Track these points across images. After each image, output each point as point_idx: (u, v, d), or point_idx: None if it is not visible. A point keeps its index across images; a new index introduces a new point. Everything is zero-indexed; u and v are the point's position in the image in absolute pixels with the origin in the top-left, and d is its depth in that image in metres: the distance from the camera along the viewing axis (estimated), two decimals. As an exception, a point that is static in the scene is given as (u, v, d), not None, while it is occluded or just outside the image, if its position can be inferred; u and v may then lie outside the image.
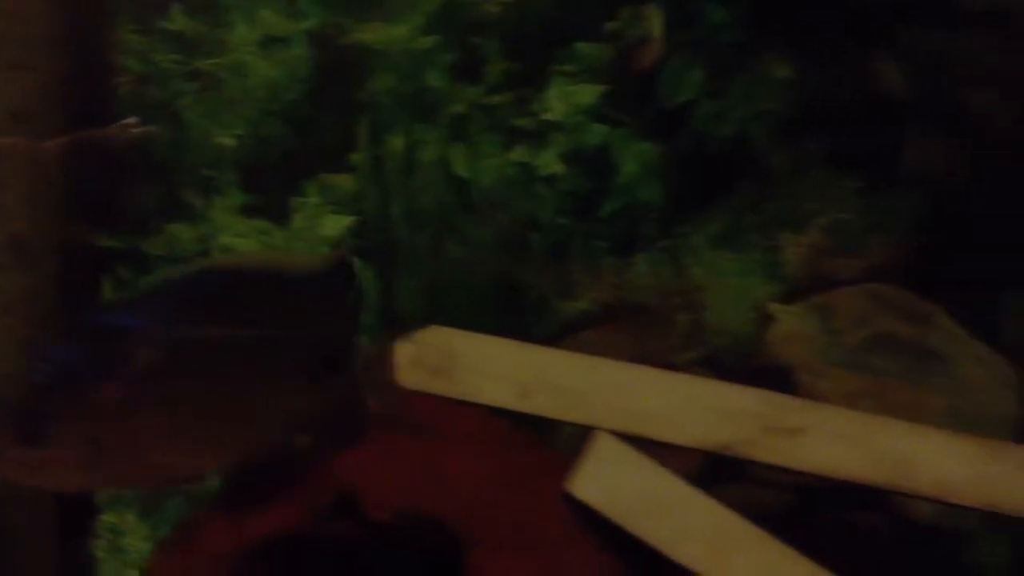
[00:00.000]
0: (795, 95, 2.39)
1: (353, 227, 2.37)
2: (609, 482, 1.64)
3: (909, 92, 2.40)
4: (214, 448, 1.45)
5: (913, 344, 2.26)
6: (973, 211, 2.33)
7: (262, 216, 2.39)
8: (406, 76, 2.40)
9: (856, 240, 2.36)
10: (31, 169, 2.16)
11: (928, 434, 1.66)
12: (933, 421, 2.09)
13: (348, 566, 1.67)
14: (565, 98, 2.39)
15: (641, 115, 2.40)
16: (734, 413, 1.65)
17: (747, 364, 2.30)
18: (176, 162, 2.40)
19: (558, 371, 1.73)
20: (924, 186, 2.37)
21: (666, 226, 2.40)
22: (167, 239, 2.35)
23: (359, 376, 1.60)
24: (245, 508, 1.62)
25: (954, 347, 2.26)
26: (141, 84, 2.41)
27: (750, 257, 2.37)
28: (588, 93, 2.39)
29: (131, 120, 2.26)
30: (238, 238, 2.34)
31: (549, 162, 2.38)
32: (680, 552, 1.61)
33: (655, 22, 2.40)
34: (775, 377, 2.22)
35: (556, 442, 1.93)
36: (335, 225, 2.36)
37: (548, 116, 2.39)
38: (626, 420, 1.68)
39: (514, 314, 2.36)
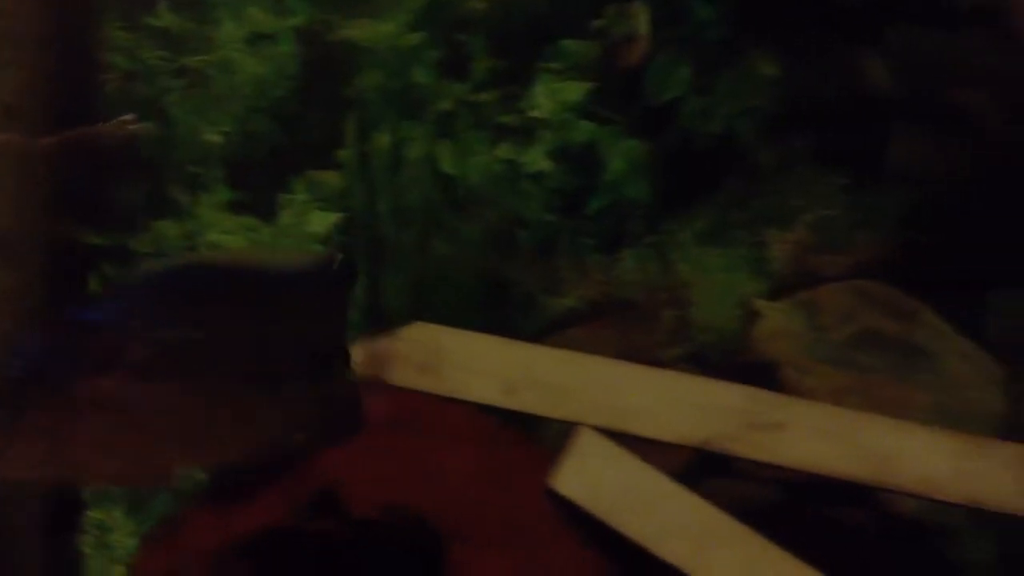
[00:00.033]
0: (781, 92, 2.40)
1: (340, 224, 2.37)
2: (592, 478, 1.65)
3: (895, 89, 2.40)
4: (183, 449, 1.45)
5: (899, 340, 2.27)
6: (959, 208, 2.34)
7: (249, 213, 2.39)
8: (393, 73, 2.40)
9: (842, 237, 2.37)
10: (19, 166, 2.16)
11: (911, 430, 1.67)
12: (918, 417, 2.10)
13: (332, 561, 1.68)
14: (552, 95, 2.40)
15: (628, 112, 2.41)
16: (716, 409, 1.66)
17: (733, 360, 2.30)
18: (163, 159, 2.40)
19: (543, 368, 1.74)
20: (910, 183, 2.38)
21: (653, 223, 2.40)
22: (154, 236, 2.35)
23: (352, 373, 1.60)
24: (230, 504, 1.63)
25: (939, 343, 2.27)
26: (128, 81, 2.41)
27: (736, 253, 2.37)
28: (575, 90, 2.40)
29: (128, 117, 2.26)
30: (225, 235, 2.34)
31: (536, 159, 2.38)
32: (663, 548, 1.61)
33: (641, 19, 2.40)
34: (761, 373, 2.23)
35: (544, 438, 1.94)
36: (322, 222, 2.36)
37: (535, 113, 2.39)
38: (610, 416, 1.68)
39: (501, 311, 2.37)
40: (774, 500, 2.15)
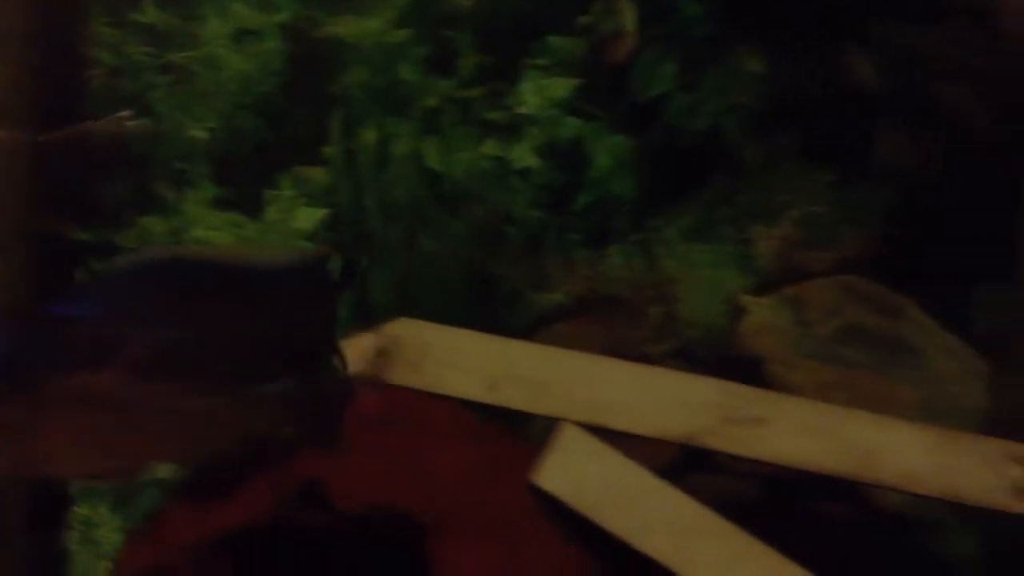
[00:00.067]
0: (768, 89, 2.40)
1: (326, 220, 2.37)
2: (575, 473, 1.65)
3: (881, 86, 2.41)
4: (158, 444, 1.45)
5: (885, 336, 2.27)
6: (945, 204, 2.34)
7: (235, 209, 2.39)
8: (379, 69, 2.40)
9: (828, 233, 2.37)
10: (4, 161, 2.16)
11: (891, 425, 1.67)
12: (904, 413, 2.11)
13: (315, 556, 1.68)
14: (538, 91, 2.40)
15: (614, 108, 2.41)
16: (697, 404, 1.67)
17: (719, 356, 2.31)
18: (149, 155, 2.40)
19: (526, 364, 1.74)
20: (896, 179, 2.38)
21: (639, 219, 2.40)
22: (139, 232, 2.35)
23: (341, 369, 1.60)
24: (214, 499, 1.63)
25: (925, 339, 2.28)
26: (113, 77, 2.40)
27: (723, 249, 2.38)
28: (561, 86, 2.40)
29: (125, 113, 2.26)
30: (211, 231, 2.34)
31: (523, 155, 2.38)
32: (645, 543, 1.62)
33: (628, 16, 2.41)
34: (747, 369, 2.23)
35: (530, 434, 1.94)
36: (308, 218, 2.36)
37: (521, 109, 2.39)
38: (592, 411, 1.69)
39: (488, 306, 2.37)
40: (759, 495, 2.15)
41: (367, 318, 2.27)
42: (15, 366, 1.36)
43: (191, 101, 2.41)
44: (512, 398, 1.73)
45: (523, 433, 1.91)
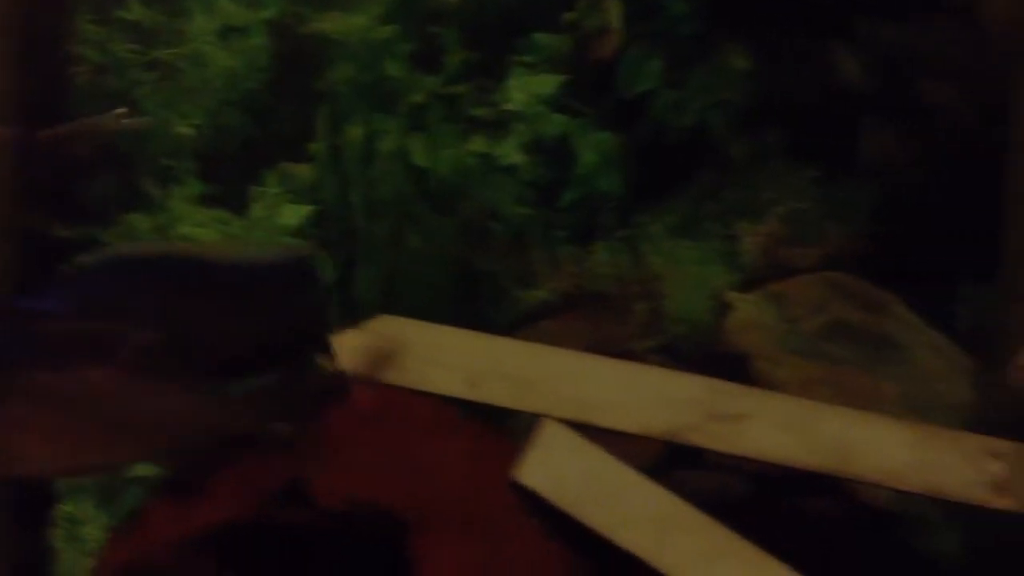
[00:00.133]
0: (754, 86, 2.41)
1: (312, 217, 2.37)
2: (555, 469, 1.66)
3: (867, 84, 2.41)
4: (132, 441, 1.45)
5: (869, 332, 2.28)
6: (929, 202, 2.35)
7: (221, 206, 2.39)
8: (365, 66, 2.40)
9: (813, 229, 2.38)
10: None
11: (872, 420, 1.68)
12: (889, 409, 2.12)
13: (296, 553, 1.68)
14: (525, 88, 2.40)
15: (600, 105, 2.41)
16: (679, 400, 1.67)
17: (705, 352, 2.31)
18: (135, 152, 2.40)
19: (508, 360, 1.74)
20: (881, 176, 2.39)
21: (625, 215, 2.41)
22: (125, 229, 2.35)
23: (328, 365, 1.61)
24: (196, 496, 1.63)
25: (910, 335, 2.28)
26: (99, 74, 2.40)
27: (708, 246, 2.38)
28: (548, 83, 2.40)
29: (122, 110, 2.26)
30: (197, 228, 2.34)
31: (509, 152, 2.39)
32: (626, 538, 1.62)
33: (613, 13, 2.41)
34: (733, 365, 2.24)
35: (514, 431, 1.94)
36: (294, 215, 2.36)
37: (508, 106, 2.40)
38: (573, 408, 1.69)
39: (474, 303, 2.37)
40: (745, 491, 2.16)
41: (353, 315, 2.28)
42: None
43: (177, 98, 2.41)
44: (495, 395, 1.73)
45: (507, 430, 1.92)
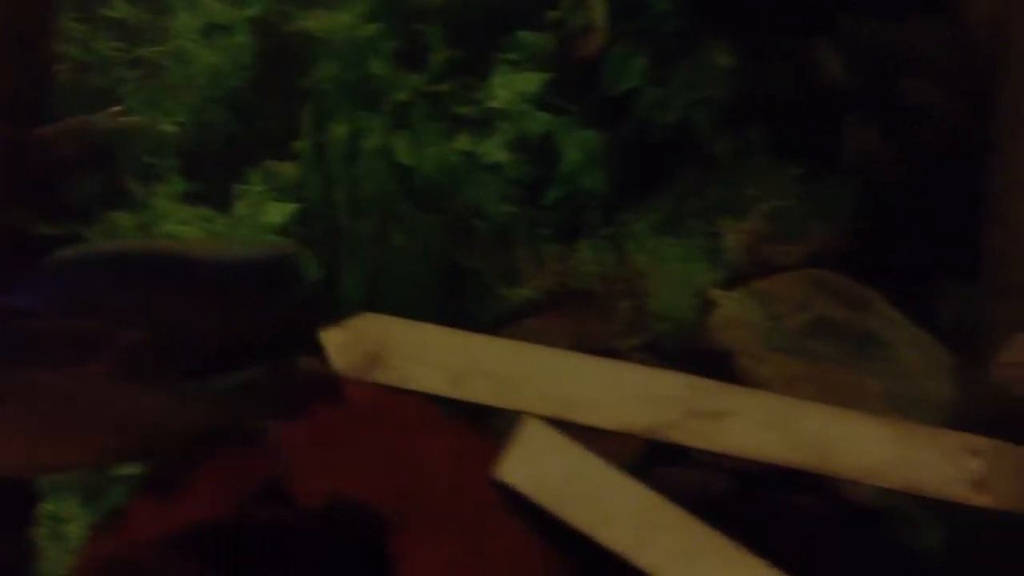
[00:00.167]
0: (737, 83, 2.41)
1: (296, 214, 2.37)
2: (536, 467, 1.66)
3: (850, 81, 2.42)
4: (108, 439, 1.45)
5: (852, 329, 2.29)
6: (913, 199, 2.36)
7: (204, 203, 2.39)
8: (349, 64, 2.40)
9: (797, 226, 2.39)
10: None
11: (852, 418, 1.68)
12: (872, 406, 2.12)
13: (276, 551, 1.68)
14: (509, 86, 2.40)
15: (584, 103, 2.41)
16: (659, 397, 1.68)
17: (689, 350, 2.31)
18: (118, 150, 2.40)
19: (490, 358, 1.74)
20: (864, 174, 2.40)
21: (609, 213, 2.41)
22: (109, 227, 2.35)
23: (312, 363, 1.61)
24: (176, 493, 1.63)
25: (892, 332, 2.29)
26: (82, 72, 2.40)
27: (692, 243, 2.39)
28: (532, 81, 2.40)
29: (117, 108, 2.26)
30: (180, 225, 2.34)
31: (493, 150, 2.39)
32: (606, 535, 1.62)
33: (597, 11, 2.41)
34: (716, 362, 2.24)
35: (498, 429, 1.95)
36: (278, 212, 2.36)
37: (492, 104, 2.40)
38: (554, 405, 1.70)
39: (458, 301, 2.37)
40: (728, 489, 2.16)
41: (338, 313, 2.27)
42: None
43: (160, 95, 2.41)
44: (477, 393, 1.74)
45: (492, 428, 1.92)
